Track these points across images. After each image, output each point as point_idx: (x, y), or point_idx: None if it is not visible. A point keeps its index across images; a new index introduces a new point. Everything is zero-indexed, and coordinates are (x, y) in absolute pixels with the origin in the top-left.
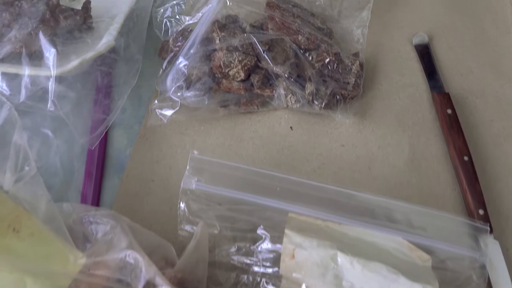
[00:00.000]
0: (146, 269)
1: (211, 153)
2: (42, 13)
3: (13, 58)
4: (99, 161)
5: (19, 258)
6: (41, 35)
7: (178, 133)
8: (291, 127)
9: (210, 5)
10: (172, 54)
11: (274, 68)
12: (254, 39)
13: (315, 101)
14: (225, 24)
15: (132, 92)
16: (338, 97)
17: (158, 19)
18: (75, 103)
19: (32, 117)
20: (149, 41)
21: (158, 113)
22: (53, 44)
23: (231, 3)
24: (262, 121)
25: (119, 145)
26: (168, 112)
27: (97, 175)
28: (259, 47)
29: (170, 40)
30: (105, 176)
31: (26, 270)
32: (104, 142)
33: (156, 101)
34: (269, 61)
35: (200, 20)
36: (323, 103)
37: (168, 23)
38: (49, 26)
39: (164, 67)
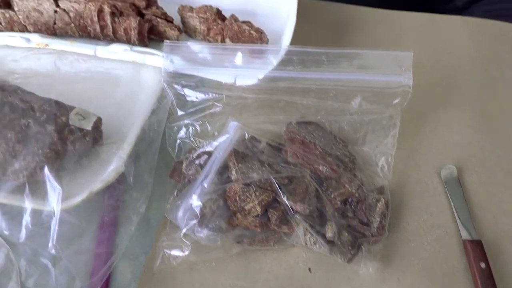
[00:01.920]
0: None
1: None
2: (50, 137)
3: (15, 189)
4: None
5: None
6: (46, 171)
7: (187, 269)
8: (309, 269)
9: (228, 135)
10: (186, 180)
11: (293, 206)
12: (273, 179)
13: (338, 255)
14: (242, 154)
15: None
16: (362, 247)
17: (171, 137)
18: (76, 236)
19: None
20: (160, 155)
21: (166, 254)
22: (59, 180)
23: (249, 136)
24: (278, 259)
25: (122, 278)
26: (178, 253)
27: None
28: (277, 184)
29: (184, 165)
30: None
31: None
32: (108, 277)
33: (165, 239)
34: (287, 197)
35: (216, 150)
36: (347, 258)
37: (181, 143)
38: (56, 155)
39: (175, 194)
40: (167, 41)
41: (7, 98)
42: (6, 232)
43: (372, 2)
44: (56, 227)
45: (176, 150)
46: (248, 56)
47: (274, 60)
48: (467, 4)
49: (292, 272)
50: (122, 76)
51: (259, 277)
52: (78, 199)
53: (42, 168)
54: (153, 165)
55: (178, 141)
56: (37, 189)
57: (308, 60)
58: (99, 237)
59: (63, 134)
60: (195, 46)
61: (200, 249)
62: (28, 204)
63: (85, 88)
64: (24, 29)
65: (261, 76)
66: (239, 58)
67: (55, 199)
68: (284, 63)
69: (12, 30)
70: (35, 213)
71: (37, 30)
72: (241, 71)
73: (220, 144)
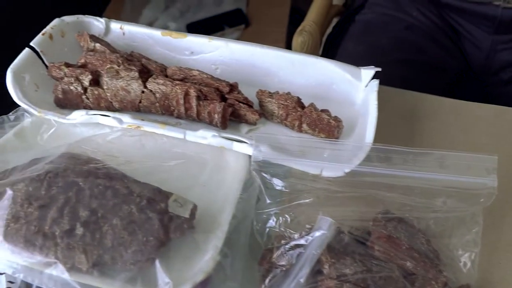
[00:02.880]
0: None
1: None
2: (153, 224)
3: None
4: None
5: None
6: (157, 264)
7: None
8: None
9: (322, 232)
10: (278, 271)
11: None
12: (376, 277)
13: None
14: (335, 250)
15: None
16: None
17: (259, 224)
18: None
19: None
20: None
21: None
22: (168, 272)
23: (344, 233)
24: None
25: None
26: None
27: None
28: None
29: (275, 256)
30: None
31: None
32: None
33: None
34: None
35: (310, 245)
36: None
37: (270, 231)
38: (160, 243)
39: (267, 283)
40: (257, 132)
41: (111, 183)
42: None
43: (436, 89)
44: None
45: (265, 238)
46: (335, 150)
47: (360, 156)
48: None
49: None
50: (208, 160)
51: None
52: None
53: (151, 260)
54: (244, 253)
55: (267, 229)
56: (146, 278)
57: (393, 157)
58: None
59: (164, 221)
60: (283, 138)
61: None
62: None
63: (174, 170)
64: (110, 105)
65: (347, 170)
66: (326, 151)
67: None
68: (369, 158)
69: (98, 105)
70: None
71: (123, 107)
72: (328, 164)
73: (314, 239)
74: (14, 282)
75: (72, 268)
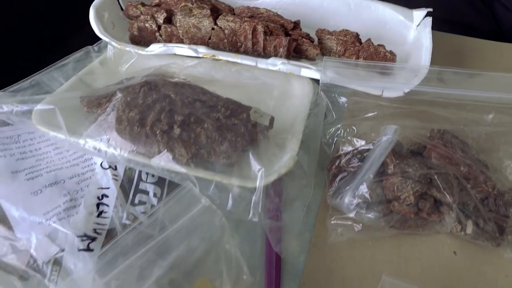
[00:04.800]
0: None
1: (380, 268)
2: (241, 128)
3: (225, 169)
4: (277, 266)
5: None
6: (250, 155)
7: (347, 245)
8: (454, 252)
9: (388, 136)
10: (345, 173)
11: (442, 198)
12: (435, 175)
13: (485, 240)
14: (399, 153)
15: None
16: (507, 233)
17: (327, 136)
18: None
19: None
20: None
21: (337, 231)
22: (260, 162)
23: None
24: (427, 243)
25: (292, 250)
26: (346, 230)
27: (276, 280)
28: (429, 179)
29: (343, 160)
30: (282, 280)
31: None
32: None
33: (334, 219)
34: (437, 191)
35: (377, 147)
36: (496, 243)
37: (338, 141)
38: (249, 142)
39: (336, 183)
40: (326, 56)
41: (198, 96)
42: (217, 201)
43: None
44: (261, 199)
45: (333, 148)
46: (395, 73)
47: (419, 77)
48: None
49: (438, 254)
50: (277, 84)
51: (410, 256)
52: (271, 178)
53: (244, 152)
54: (316, 158)
55: (335, 139)
56: (240, 168)
57: (447, 78)
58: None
59: (248, 126)
60: (347, 63)
61: (362, 229)
62: (236, 182)
63: (246, 93)
64: (181, 42)
65: (407, 90)
66: (386, 74)
67: (257, 176)
68: (426, 79)
69: (170, 42)
70: (240, 190)
71: (192, 44)
72: (388, 84)
73: (381, 143)
74: (118, 175)
75: (173, 160)
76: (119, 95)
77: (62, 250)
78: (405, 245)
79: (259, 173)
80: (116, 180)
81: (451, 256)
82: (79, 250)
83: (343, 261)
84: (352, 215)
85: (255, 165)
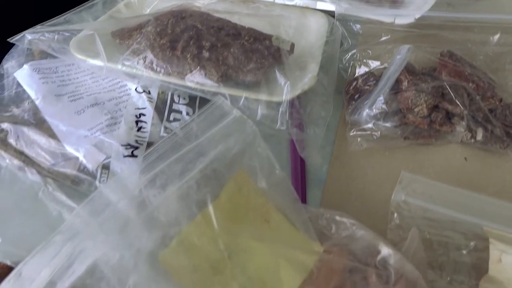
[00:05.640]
0: (394, 259)
1: (397, 175)
2: (265, 51)
3: (253, 85)
4: (302, 174)
5: (272, 244)
6: (276, 71)
7: (365, 156)
8: (465, 158)
9: (402, 54)
10: (361, 93)
11: (453, 109)
12: (445, 83)
13: (493, 144)
14: (412, 69)
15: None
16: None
17: (344, 61)
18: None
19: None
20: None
21: (358, 140)
22: (285, 77)
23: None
24: (439, 151)
25: (315, 162)
26: (365, 140)
27: (302, 186)
28: (445, 90)
29: (360, 80)
30: (307, 188)
31: (279, 254)
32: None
33: (353, 131)
34: (449, 102)
35: (391, 66)
36: (504, 145)
37: (353, 65)
38: (274, 61)
39: (355, 101)
40: None
41: (222, 25)
42: (247, 113)
43: None
44: (286, 109)
45: (349, 71)
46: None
47: (428, 3)
48: None
49: (450, 161)
50: (293, 17)
51: (424, 163)
52: (295, 93)
53: (270, 69)
54: (334, 79)
55: (351, 63)
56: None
57: (456, 3)
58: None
59: (271, 50)
60: None
61: (379, 139)
62: (264, 97)
63: (265, 24)
64: None
65: (417, 16)
66: (398, 2)
67: (284, 90)
68: (436, 5)
69: None
70: (267, 102)
71: None
72: (400, 11)
73: (395, 61)
74: (152, 98)
75: (205, 77)
76: (149, 25)
77: (109, 157)
78: (419, 154)
79: (285, 86)
80: (151, 102)
81: (462, 162)
82: (124, 156)
83: (362, 170)
84: (370, 125)
85: (281, 80)
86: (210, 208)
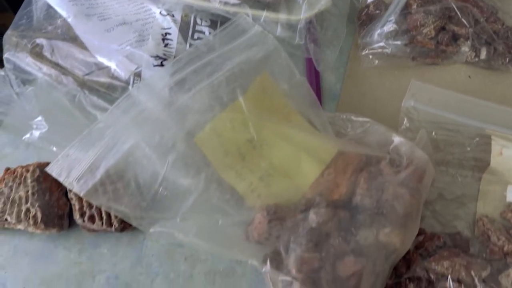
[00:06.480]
0: (406, 146)
1: (406, 91)
2: None
3: (272, 4)
4: (317, 88)
5: (293, 139)
6: None
7: (376, 75)
8: (469, 76)
9: None
10: (372, 18)
11: (459, 30)
12: (453, 4)
13: (496, 60)
14: None
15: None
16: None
17: None
18: None
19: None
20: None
21: (370, 57)
22: None
23: None
24: (445, 71)
25: (330, 81)
26: (376, 57)
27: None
28: (452, 12)
29: (371, 6)
30: (322, 103)
31: (300, 147)
32: (318, 78)
33: (366, 50)
34: (456, 24)
35: None
36: (506, 60)
37: None
38: None
39: (367, 26)
40: None
41: None
42: (268, 29)
43: None
44: (304, 25)
45: (361, 0)
46: None
47: None
48: None
49: (455, 79)
50: None
51: (431, 81)
52: (312, 12)
53: None
54: (347, 5)
55: None
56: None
57: None
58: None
59: None
60: None
61: (390, 58)
62: (283, 16)
63: None
64: None
65: None
66: None
67: (302, 7)
68: None
69: None
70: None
71: None
72: None
73: None
74: (176, 20)
75: None
76: None
77: (140, 67)
78: (426, 73)
79: (303, 4)
80: (176, 23)
81: (467, 79)
82: (154, 66)
83: (373, 86)
84: (381, 43)
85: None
86: (241, 99)
